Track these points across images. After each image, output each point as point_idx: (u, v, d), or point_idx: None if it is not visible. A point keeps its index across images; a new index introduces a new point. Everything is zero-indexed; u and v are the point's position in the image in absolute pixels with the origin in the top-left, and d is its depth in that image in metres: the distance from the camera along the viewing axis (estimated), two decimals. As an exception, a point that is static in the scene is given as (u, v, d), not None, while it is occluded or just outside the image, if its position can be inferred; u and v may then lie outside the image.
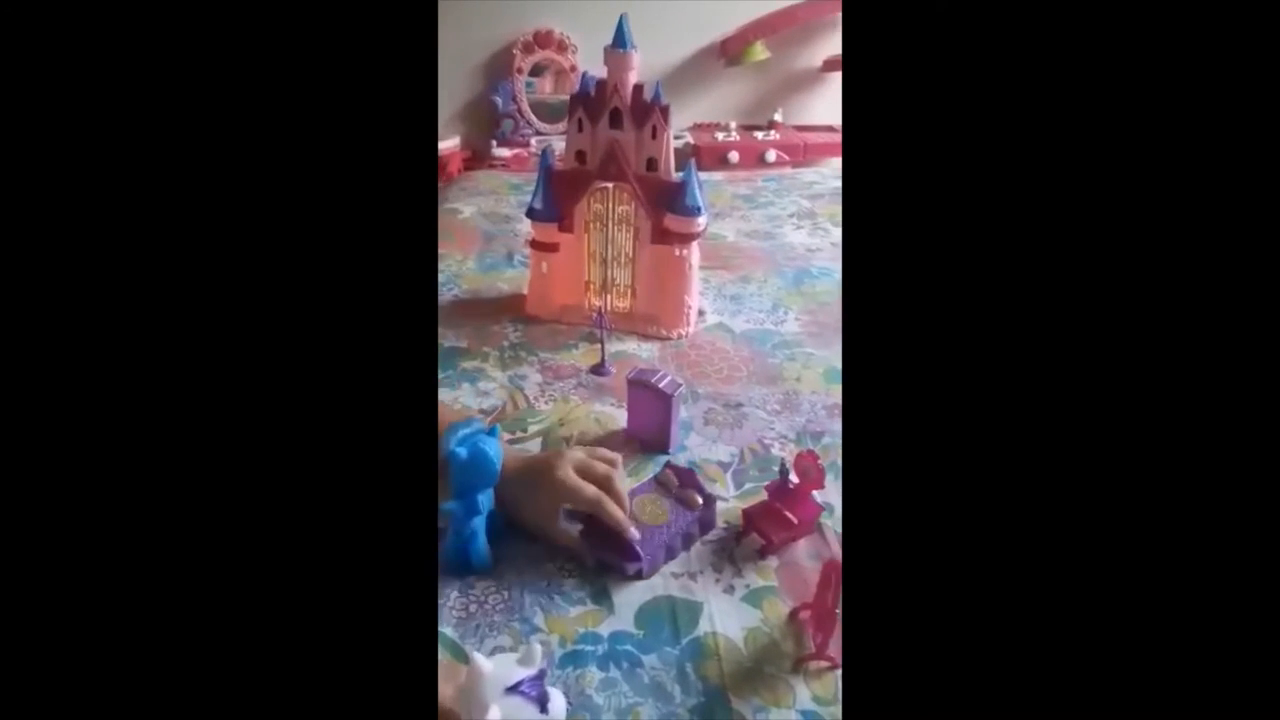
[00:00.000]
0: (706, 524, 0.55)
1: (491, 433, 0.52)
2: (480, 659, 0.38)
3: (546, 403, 0.72)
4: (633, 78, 0.77)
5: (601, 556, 0.52)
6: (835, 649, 0.46)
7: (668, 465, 0.58)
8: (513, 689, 0.38)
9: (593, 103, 0.78)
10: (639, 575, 0.51)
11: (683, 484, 0.56)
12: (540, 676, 0.39)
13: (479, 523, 0.52)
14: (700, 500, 0.54)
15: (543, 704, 0.39)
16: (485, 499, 0.52)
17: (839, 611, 0.45)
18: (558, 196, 0.82)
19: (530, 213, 0.84)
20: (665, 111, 0.76)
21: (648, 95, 0.77)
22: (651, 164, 0.79)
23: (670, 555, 0.53)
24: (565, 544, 0.53)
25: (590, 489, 0.52)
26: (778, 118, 2.16)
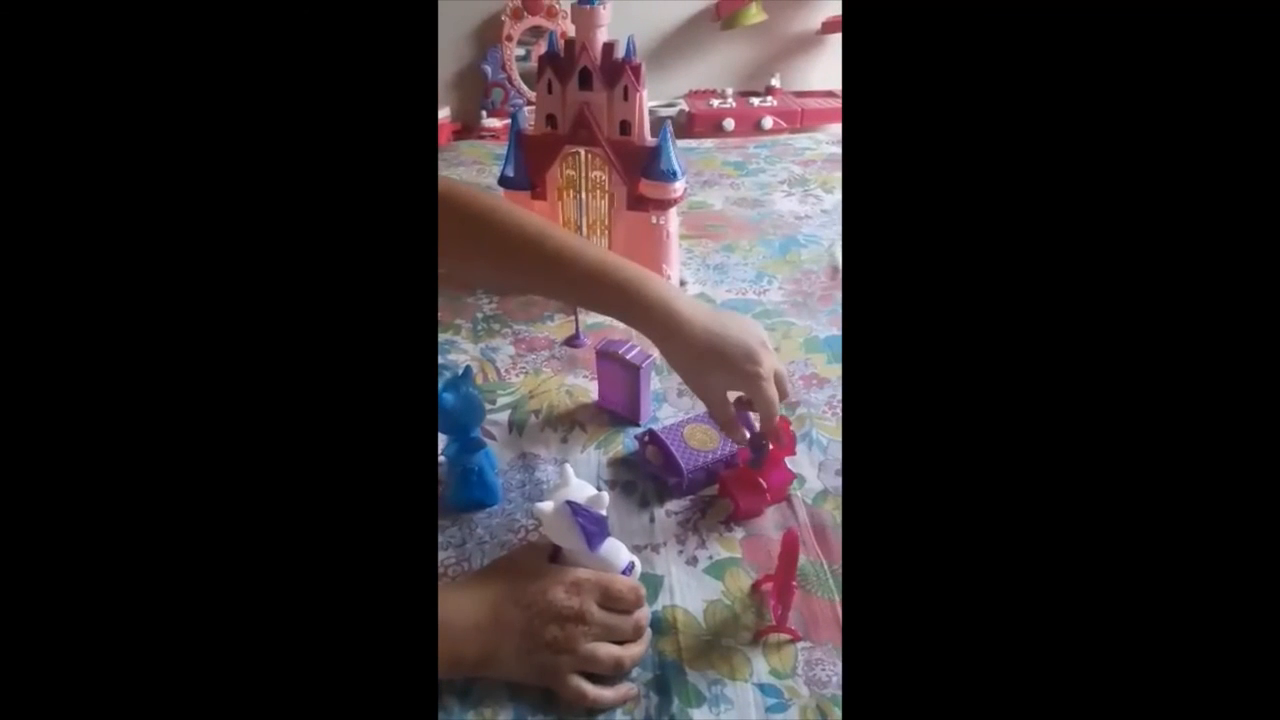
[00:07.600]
0: (756, 452, 0.59)
1: (465, 374, 0.53)
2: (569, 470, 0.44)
3: (517, 375, 0.70)
4: (602, 35, 0.73)
5: (652, 470, 0.57)
6: (796, 621, 0.45)
7: None
8: (574, 506, 0.41)
9: (561, 63, 0.75)
10: (679, 488, 0.56)
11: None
12: (602, 521, 0.42)
13: (484, 457, 0.53)
14: (748, 435, 0.58)
15: (591, 538, 0.41)
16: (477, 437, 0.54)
17: (795, 584, 0.44)
18: (529, 163, 0.79)
19: (503, 180, 0.82)
20: (637, 70, 0.73)
21: (620, 53, 0.74)
22: (625, 127, 0.76)
23: (710, 478, 0.57)
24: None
25: None
26: (775, 83, 2.10)
